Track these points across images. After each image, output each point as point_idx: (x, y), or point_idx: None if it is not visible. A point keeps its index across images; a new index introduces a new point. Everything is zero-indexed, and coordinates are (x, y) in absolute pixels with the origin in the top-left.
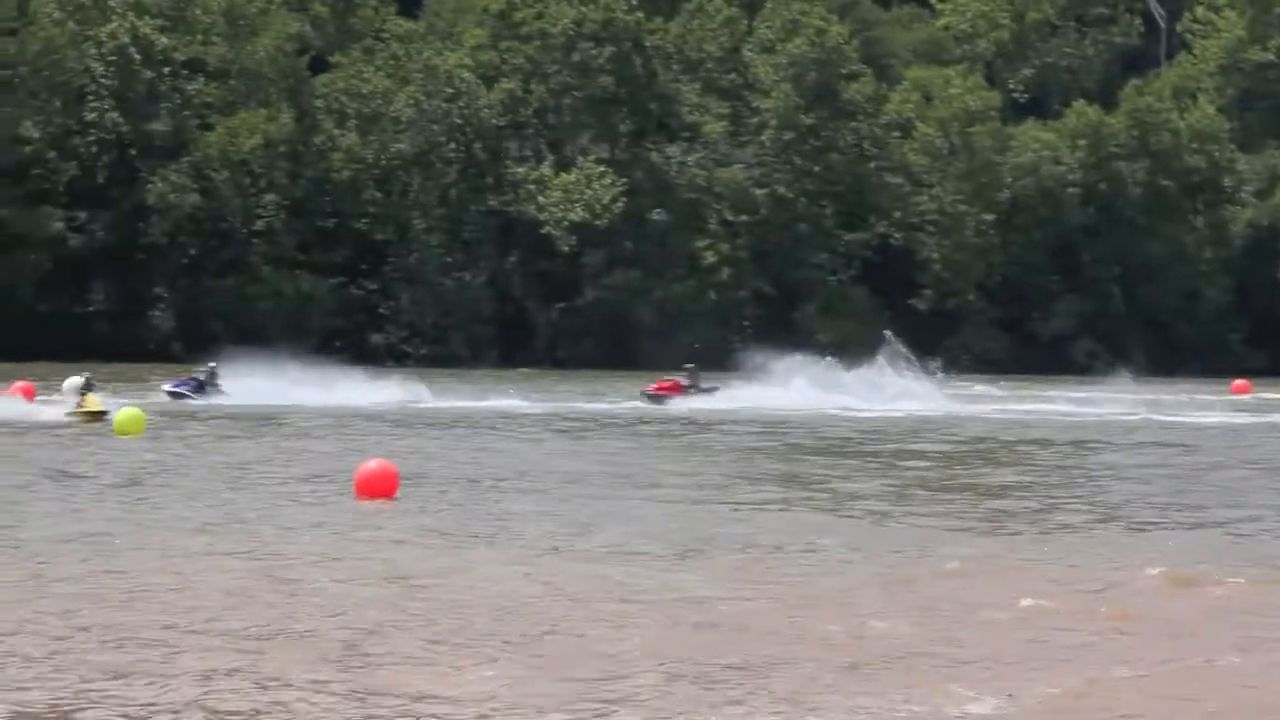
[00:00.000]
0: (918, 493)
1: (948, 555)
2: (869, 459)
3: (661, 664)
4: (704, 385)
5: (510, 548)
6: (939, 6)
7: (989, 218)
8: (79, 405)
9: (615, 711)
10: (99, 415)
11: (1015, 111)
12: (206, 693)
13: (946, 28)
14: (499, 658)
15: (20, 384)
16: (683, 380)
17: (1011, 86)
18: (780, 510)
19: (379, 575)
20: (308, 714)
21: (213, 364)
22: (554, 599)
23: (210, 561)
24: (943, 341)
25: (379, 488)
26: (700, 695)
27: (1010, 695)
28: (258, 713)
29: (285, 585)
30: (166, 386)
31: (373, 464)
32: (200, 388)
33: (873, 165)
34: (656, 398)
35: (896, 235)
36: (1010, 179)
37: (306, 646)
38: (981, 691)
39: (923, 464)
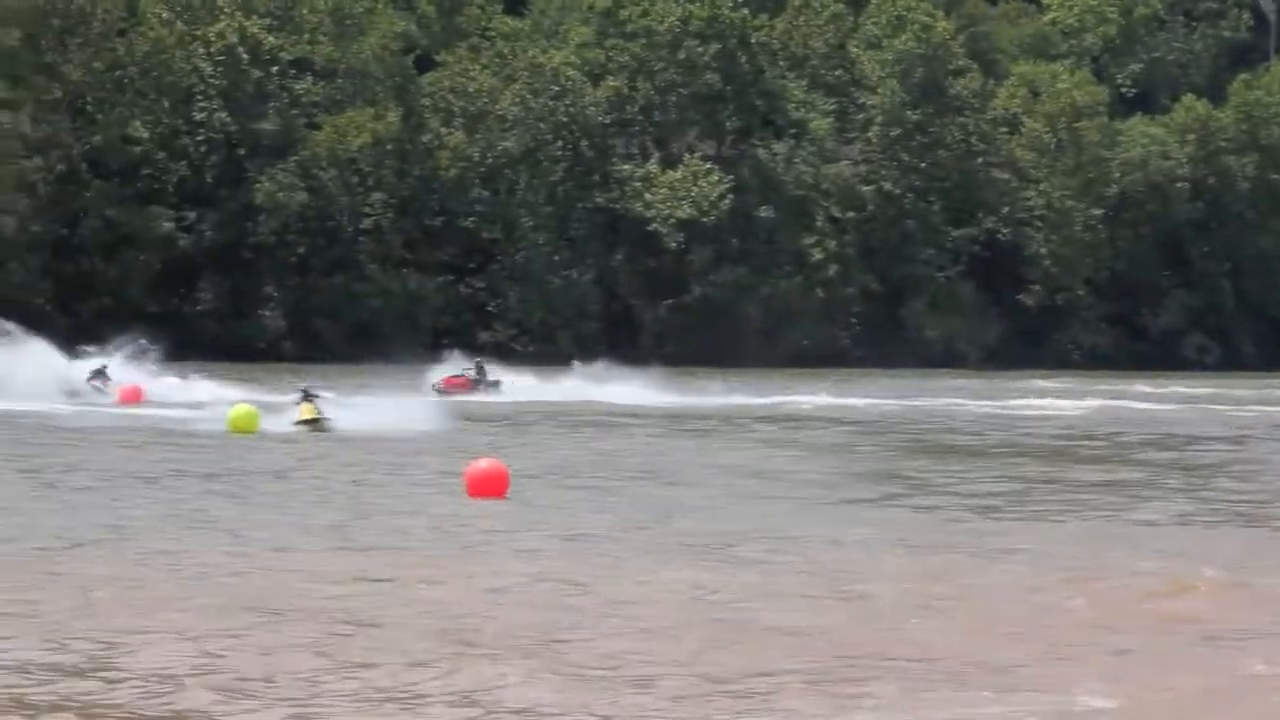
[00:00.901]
0: (1023, 488)
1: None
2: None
3: (740, 670)
4: (490, 379)
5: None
6: (1046, 1)
7: (1097, 213)
8: (299, 415)
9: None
10: (317, 422)
11: (1123, 106)
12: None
13: (1054, 22)
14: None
15: (129, 385)
16: (471, 375)
17: (1119, 81)
18: (846, 508)
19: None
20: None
21: (103, 365)
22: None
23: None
24: (1051, 336)
25: (491, 487)
26: (821, 698)
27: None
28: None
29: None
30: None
31: (483, 463)
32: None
33: (980, 161)
34: (445, 393)
35: (1004, 231)
36: (1118, 174)
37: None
38: (1097, 688)
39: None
